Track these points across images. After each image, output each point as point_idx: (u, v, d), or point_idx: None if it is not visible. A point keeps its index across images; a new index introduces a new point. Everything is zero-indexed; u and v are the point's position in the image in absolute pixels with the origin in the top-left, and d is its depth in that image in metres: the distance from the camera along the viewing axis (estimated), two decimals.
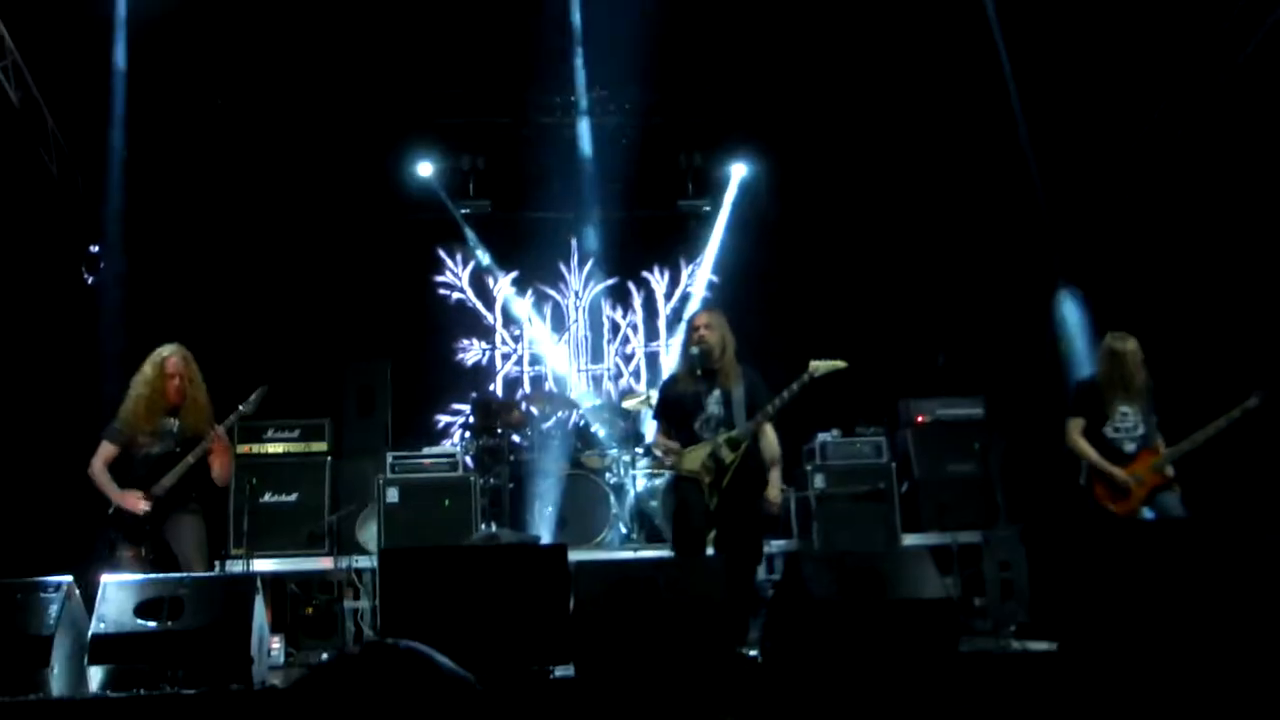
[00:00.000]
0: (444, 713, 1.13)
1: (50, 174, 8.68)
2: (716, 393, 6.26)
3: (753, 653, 5.49)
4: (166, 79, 9.28)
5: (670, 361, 10.65)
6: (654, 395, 7.44)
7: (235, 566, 7.67)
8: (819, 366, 6.21)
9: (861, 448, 9.11)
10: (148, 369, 6.26)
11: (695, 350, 6.27)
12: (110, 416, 6.31)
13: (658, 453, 7.19)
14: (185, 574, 5.85)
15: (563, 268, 11.29)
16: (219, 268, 9.99)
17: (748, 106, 11.08)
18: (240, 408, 6.26)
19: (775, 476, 6.30)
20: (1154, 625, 4.17)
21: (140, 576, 5.61)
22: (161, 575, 5.78)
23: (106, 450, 6.17)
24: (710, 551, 6.20)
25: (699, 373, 6.23)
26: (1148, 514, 6.60)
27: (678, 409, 6.38)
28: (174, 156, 9.84)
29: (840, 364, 6.26)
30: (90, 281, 8.91)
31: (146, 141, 9.16)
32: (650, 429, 8.39)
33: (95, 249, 8.93)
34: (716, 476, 6.10)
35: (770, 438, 6.32)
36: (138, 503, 6.02)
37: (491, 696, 1.17)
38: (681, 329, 7.12)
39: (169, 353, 6.32)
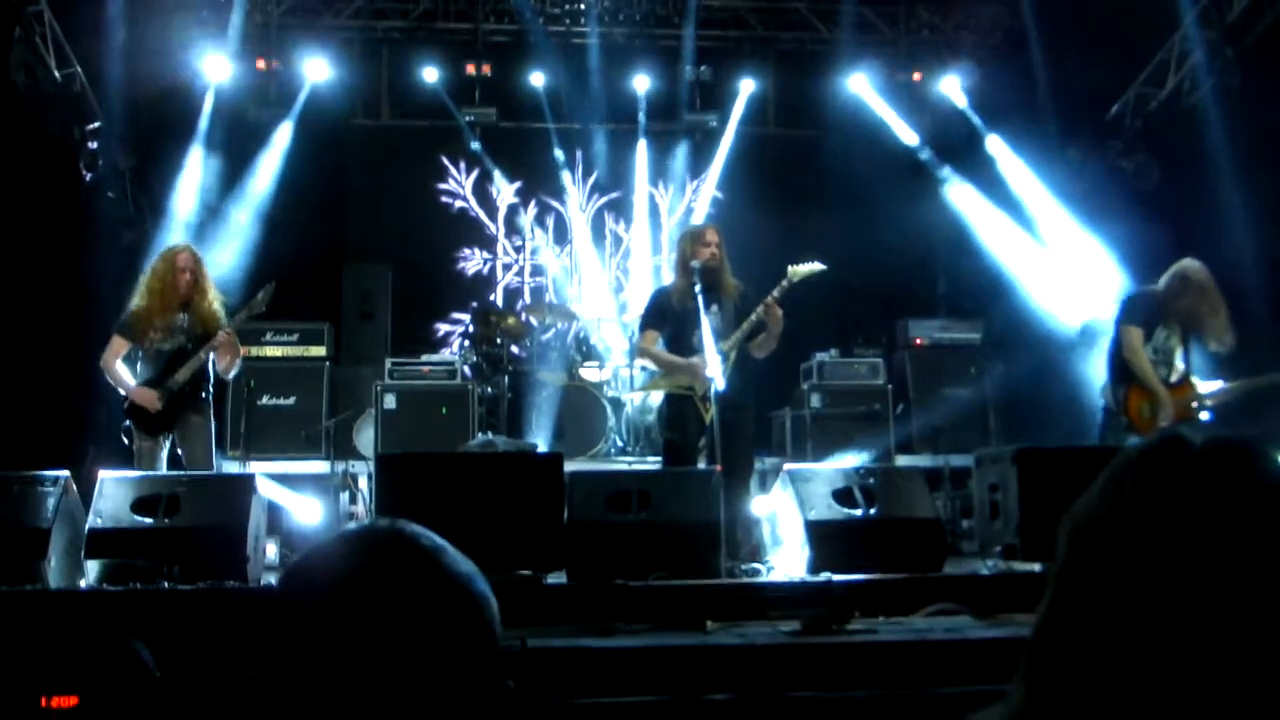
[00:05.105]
0: (445, 616, 1.10)
1: (47, 66, 8.54)
2: (715, 306, 6.24)
3: (744, 567, 5.56)
4: None
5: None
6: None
7: (232, 467, 7.72)
8: (797, 271, 6.21)
9: (858, 368, 9.12)
10: (159, 264, 6.37)
11: (698, 265, 6.22)
12: (107, 312, 6.34)
13: (646, 362, 7.18)
14: (183, 472, 5.93)
15: (566, 179, 11.18)
16: (222, 166, 9.88)
17: (757, 19, 10.94)
18: (251, 304, 6.39)
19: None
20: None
21: (137, 473, 5.69)
22: (159, 473, 5.86)
23: (118, 344, 6.26)
24: (701, 465, 6.24)
25: (698, 287, 6.17)
26: None
27: (674, 321, 6.38)
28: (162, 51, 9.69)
29: (818, 266, 6.25)
30: (88, 179, 8.83)
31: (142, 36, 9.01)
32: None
33: (94, 145, 8.83)
34: (709, 390, 6.07)
35: (758, 342, 6.29)
36: (152, 398, 6.10)
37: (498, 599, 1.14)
38: (676, 242, 7.05)
39: (180, 249, 6.47)
